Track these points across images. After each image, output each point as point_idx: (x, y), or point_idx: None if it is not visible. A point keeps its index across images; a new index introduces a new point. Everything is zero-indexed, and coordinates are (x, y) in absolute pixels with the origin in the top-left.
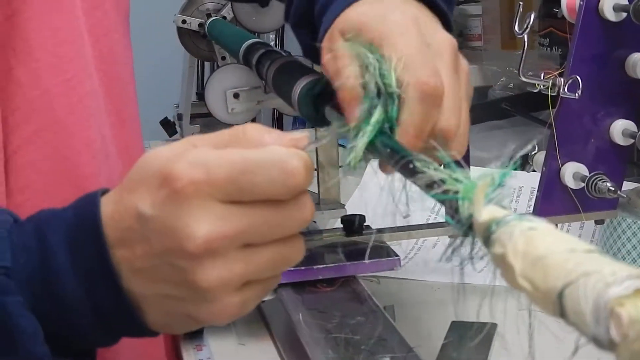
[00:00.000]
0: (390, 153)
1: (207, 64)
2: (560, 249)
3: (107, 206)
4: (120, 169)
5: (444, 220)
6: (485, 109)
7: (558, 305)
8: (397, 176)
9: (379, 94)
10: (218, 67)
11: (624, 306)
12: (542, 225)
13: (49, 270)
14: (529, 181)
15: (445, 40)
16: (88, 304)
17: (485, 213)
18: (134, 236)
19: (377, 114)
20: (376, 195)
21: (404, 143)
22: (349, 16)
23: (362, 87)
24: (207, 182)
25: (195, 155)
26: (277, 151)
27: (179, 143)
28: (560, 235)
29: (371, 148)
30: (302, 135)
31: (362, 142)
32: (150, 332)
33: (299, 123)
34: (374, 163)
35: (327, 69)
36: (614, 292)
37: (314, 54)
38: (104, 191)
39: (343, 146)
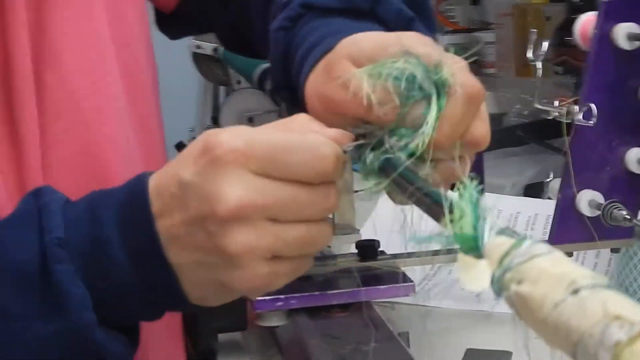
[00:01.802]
0: (407, 184)
1: (222, 89)
2: (557, 297)
3: (154, 180)
4: None
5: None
6: (500, 135)
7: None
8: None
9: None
10: (233, 91)
11: None
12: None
13: (99, 243)
14: (544, 208)
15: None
16: (135, 276)
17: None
18: (174, 203)
19: (435, 107)
20: (391, 220)
21: (440, 139)
22: (357, 40)
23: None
24: (246, 152)
25: (239, 129)
26: (314, 137)
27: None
28: (559, 273)
29: (385, 175)
30: (347, 133)
31: (425, 136)
32: (191, 305)
33: None
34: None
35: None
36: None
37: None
38: (151, 173)
39: (357, 171)
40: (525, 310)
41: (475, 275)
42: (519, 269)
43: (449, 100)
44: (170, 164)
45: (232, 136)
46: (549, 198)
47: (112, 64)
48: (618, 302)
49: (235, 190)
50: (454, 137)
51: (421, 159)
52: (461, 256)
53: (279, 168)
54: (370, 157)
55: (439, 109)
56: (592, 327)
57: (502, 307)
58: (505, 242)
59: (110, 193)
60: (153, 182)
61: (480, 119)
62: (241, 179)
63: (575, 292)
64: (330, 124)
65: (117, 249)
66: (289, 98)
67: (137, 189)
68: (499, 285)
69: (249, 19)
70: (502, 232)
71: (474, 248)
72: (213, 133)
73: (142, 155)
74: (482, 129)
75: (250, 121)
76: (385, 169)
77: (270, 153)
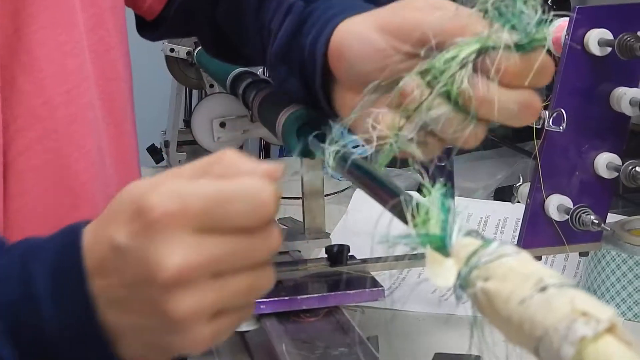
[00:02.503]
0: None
1: (194, 92)
2: (522, 294)
3: (87, 236)
4: (116, 180)
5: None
6: None
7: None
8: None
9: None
10: (206, 95)
11: None
12: (506, 263)
13: (29, 298)
14: (514, 212)
15: None
16: (64, 333)
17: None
18: (109, 266)
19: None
20: (361, 224)
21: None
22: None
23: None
24: (182, 213)
25: (170, 187)
26: (251, 183)
27: (160, 175)
28: (523, 274)
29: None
30: (278, 166)
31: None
32: None
33: (286, 152)
34: (360, 192)
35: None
36: (567, 355)
37: (300, 85)
38: (87, 222)
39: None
40: (489, 306)
41: (442, 272)
42: (487, 267)
43: (533, 52)
44: (101, 219)
45: (165, 198)
46: (518, 202)
47: (89, 72)
48: (585, 300)
49: (176, 254)
50: (522, 76)
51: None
52: (430, 252)
53: (218, 222)
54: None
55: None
56: (558, 322)
57: (470, 311)
58: (473, 242)
59: (42, 246)
60: (87, 239)
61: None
62: (180, 241)
63: (543, 289)
64: (382, 56)
65: (47, 305)
66: (283, 74)
67: (69, 241)
68: (464, 282)
69: (239, 21)
70: (469, 233)
71: (441, 247)
72: (141, 193)
73: (116, 162)
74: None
75: (222, 126)
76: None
77: (207, 208)
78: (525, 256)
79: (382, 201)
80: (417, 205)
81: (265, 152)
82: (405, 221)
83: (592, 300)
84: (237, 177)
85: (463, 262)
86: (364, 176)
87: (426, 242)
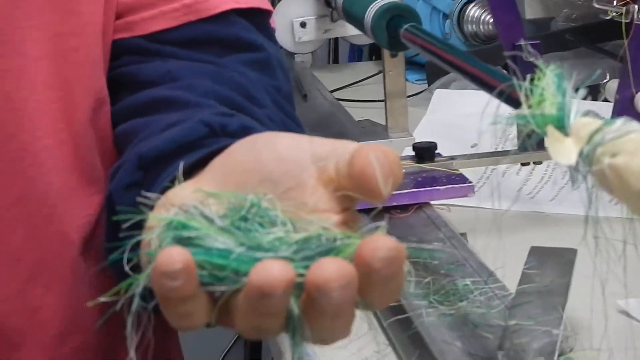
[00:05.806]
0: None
1: None
2: None
3: None
4: None
5: (513, 148)
6: (548, 40)
7: None
8: (464, 105)
9: None
10: None
11: None
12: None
13: None
14: (601, 111)
15: None
16: None
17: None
18: None
19: None
20: (443, 125)
21: None
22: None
23: None
24: None
25: None
26: None
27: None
28: None
29: None
30: None
31: None
32: None
33: (356, 54)
34: (440, 93)
35: None
36: None
37: None
38: None
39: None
40: (618, 182)
41: (563, 150)
42: (614, 143)
43: None
44: None
45: None
46: (605, 100)
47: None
48: None
49: None
50: None
51: None
52: (550, 130)
53: None
54: None
55: None
56: None
57: (559, 208)
58: (594, 121)
59: None
60: None
61: None
62: None
63: None
64: None
65: None
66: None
67: None
68: (588, 160)
69: None
70: (587, 114)
71: (560, 127)
72: None
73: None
74: None
75: (303, 26)
76: None
77: None
78: None
79: (489, 88)
80: (530, 88)
81: (334, 57)
82: (516, 106)
83: None
84: None
85: (585, 141)
86: (468, 64)
87: (544, 122)
